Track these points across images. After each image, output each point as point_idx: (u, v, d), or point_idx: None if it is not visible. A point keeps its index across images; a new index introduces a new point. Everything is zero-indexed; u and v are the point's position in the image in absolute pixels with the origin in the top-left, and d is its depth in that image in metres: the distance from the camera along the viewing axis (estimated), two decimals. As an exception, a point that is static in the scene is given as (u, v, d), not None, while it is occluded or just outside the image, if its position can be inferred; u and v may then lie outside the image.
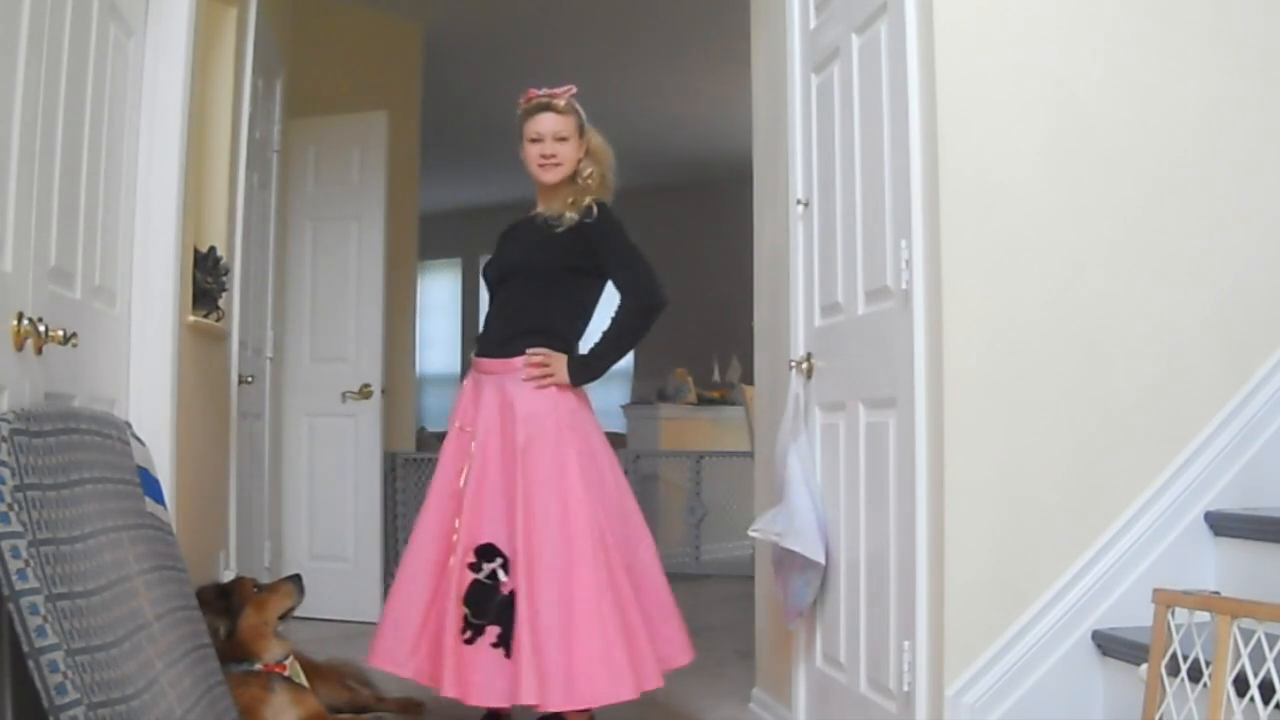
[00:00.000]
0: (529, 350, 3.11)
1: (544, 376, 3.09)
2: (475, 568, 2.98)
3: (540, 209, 3.26)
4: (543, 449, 3.03)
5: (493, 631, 2.92)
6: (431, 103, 6.46)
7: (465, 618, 2.94)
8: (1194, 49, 2.57)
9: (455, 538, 3.02)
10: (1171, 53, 2.56)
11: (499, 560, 2.97)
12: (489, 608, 2.94)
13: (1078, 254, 2.49)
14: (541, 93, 3.20)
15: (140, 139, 2.83)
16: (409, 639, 3.03)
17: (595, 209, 3.15)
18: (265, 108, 4.49)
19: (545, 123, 3.18)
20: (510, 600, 2.93)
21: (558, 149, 3.17)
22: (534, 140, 3.18)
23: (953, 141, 2.42)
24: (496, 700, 2.91)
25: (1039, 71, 2.50)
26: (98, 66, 2.48)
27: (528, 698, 2.85)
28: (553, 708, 2.90)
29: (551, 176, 3.19)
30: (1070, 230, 2.49)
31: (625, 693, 2.89)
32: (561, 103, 3.18)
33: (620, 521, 3.11)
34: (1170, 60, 2.56)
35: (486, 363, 3.18)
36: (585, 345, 3.25)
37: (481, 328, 3.31)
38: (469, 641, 2.93)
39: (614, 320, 3.18)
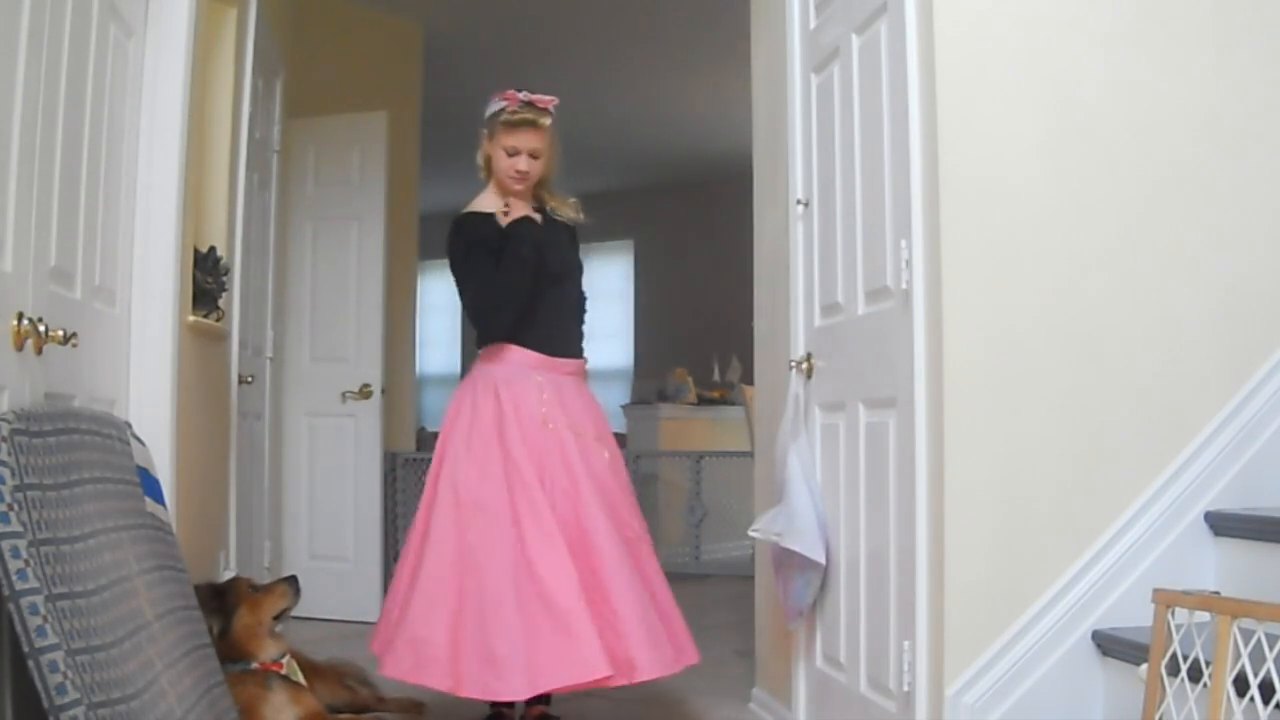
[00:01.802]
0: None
1: None
2: None
3: (528, 203, 3.27)
4: (614, 445, 3.28)
5: None
6: (431, 103, 6.46)
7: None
8: (1194, 49, 2.57)
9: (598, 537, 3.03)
10: (1172, 53, 2.56)
11: None
12: None
13: (1078, 254, 2.49)
14: (522, 97, 3.15)
15: (140, 139, 2.83)
16: (520, 655, 2.88)
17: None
18: (265, 108, 4.48)
19: (527, 139, 3.15)
20: None
21: (531, 165, 3.18)
22: (511, 153, 3.16)
23: (953, 141, 2.42)
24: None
25: (1039, 71, 2.50)
26: (98, 66, 2.48)
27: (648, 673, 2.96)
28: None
29: (519, 188, 3.21)
30: (1071, 230, 2.49)
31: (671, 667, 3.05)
32: (546, 120, 3.17)
33: None
34: (1171, 61, 2.56)
35: (570, 363, 3.25)
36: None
37: (552, 326, 3.22)
38: None
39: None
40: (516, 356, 3.16)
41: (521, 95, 3.16)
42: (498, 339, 3.17)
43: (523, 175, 3.18)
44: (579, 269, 3.37)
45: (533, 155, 3.17)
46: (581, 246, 3.48)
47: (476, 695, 2.95)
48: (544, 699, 3.18)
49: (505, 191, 3.23)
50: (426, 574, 3.00)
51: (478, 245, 3.14)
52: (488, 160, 3.24)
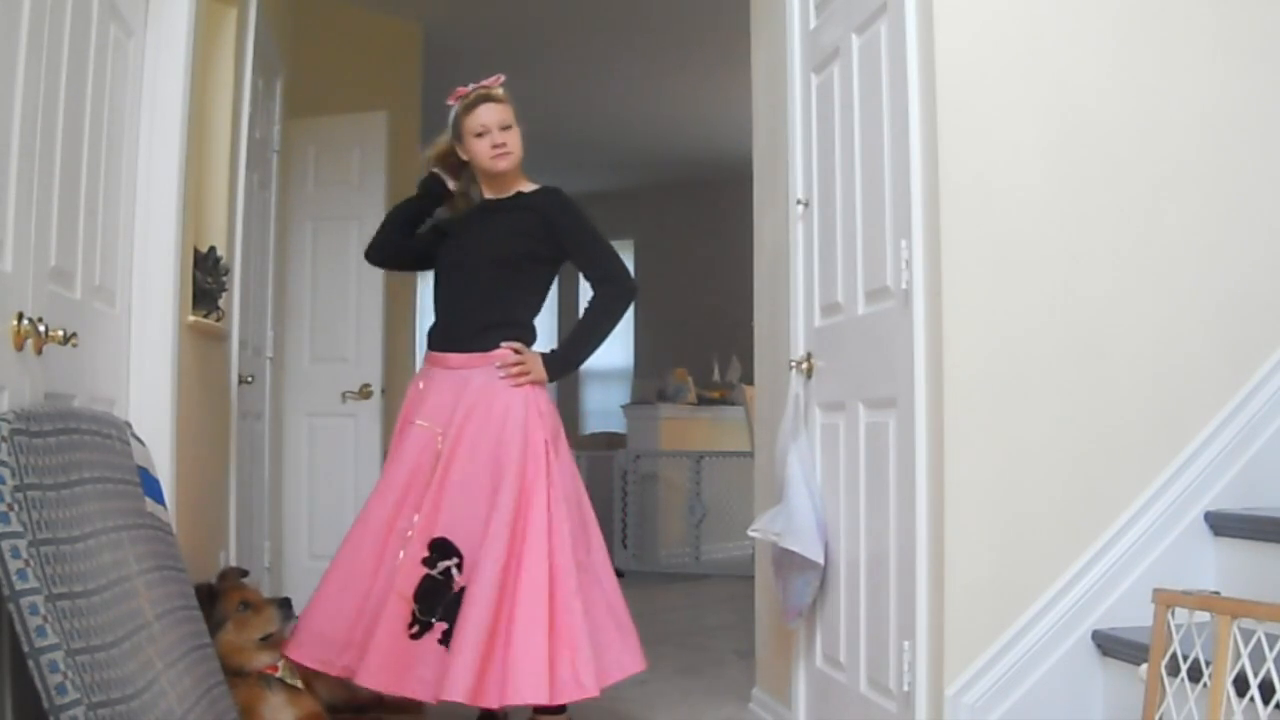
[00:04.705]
0: (505, 345, 3.09)
1: (521, 374, 3.07)
2: (429, 562, 2.96)
3: (489, 195, 3.24)
4: (515, 448, 2.99)
5: (439, 627, 2.92)
6: (431, 103, 6.45)
7: (414, 613, 2.94)
8: (1196, 52, 2.57)
9: (410, 533, 2.98)
10: (1174, 55, 2.56)
11: (455, 558, 2.95)
12: (438, 603, 2.93)
13: (1079, 253, 2.49)
14: (472, 87, 3.17)
15: (140, 139, 2.83)
16: (341, 635, 2.98)
17: (556, 193, 3.20)
18: (265, 108, 4.48)
19: (488, 114, 3.13)
20: (459, 597, 2.91)
21: (506, 137, 3.14)
22: (480, 134, 3.13)
23: (953, 142, 2.42)
24: (426, 694, 2.89)
25: (1040, 72, 2.50)
26: (98, 66, 2.48)
27: (455, 694, 2.79)
28: (485, 704, 2.88)
29: (505, 164, 3.15)
30: (1071, 229, 2.49)
31: (560, 695, 2.86)
32: (499, 91, 3.16)
33: (579, 524, 3.10)
34: (1172, 63, 2.56)
35: (453, 357, 3.12)
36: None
37: (439, 319, 3.21)
38: (415, 636, 2.92)
39: (594, 310, 3.19)
40: (427, 353, 3.23)
41: (471, 87, 3.18)
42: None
43: (502, 148, 3.13)
44: (499, 257, 3.13)
45: (503, 128, 3.14)
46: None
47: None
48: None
49: (490, 178, 3.21)
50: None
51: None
52: (461, 163, 3.25)
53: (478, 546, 2.93)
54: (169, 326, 2.89)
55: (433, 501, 2.99)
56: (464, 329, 3.12)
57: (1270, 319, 2.56)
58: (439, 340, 3.19)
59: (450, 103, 3.20)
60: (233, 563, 3.74)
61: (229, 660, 2.78)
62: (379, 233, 3.41)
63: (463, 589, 2.92)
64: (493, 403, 3.04)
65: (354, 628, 2.98)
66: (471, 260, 3.16)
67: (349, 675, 2.96)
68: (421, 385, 3.19)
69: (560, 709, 3.02)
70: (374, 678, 2.90)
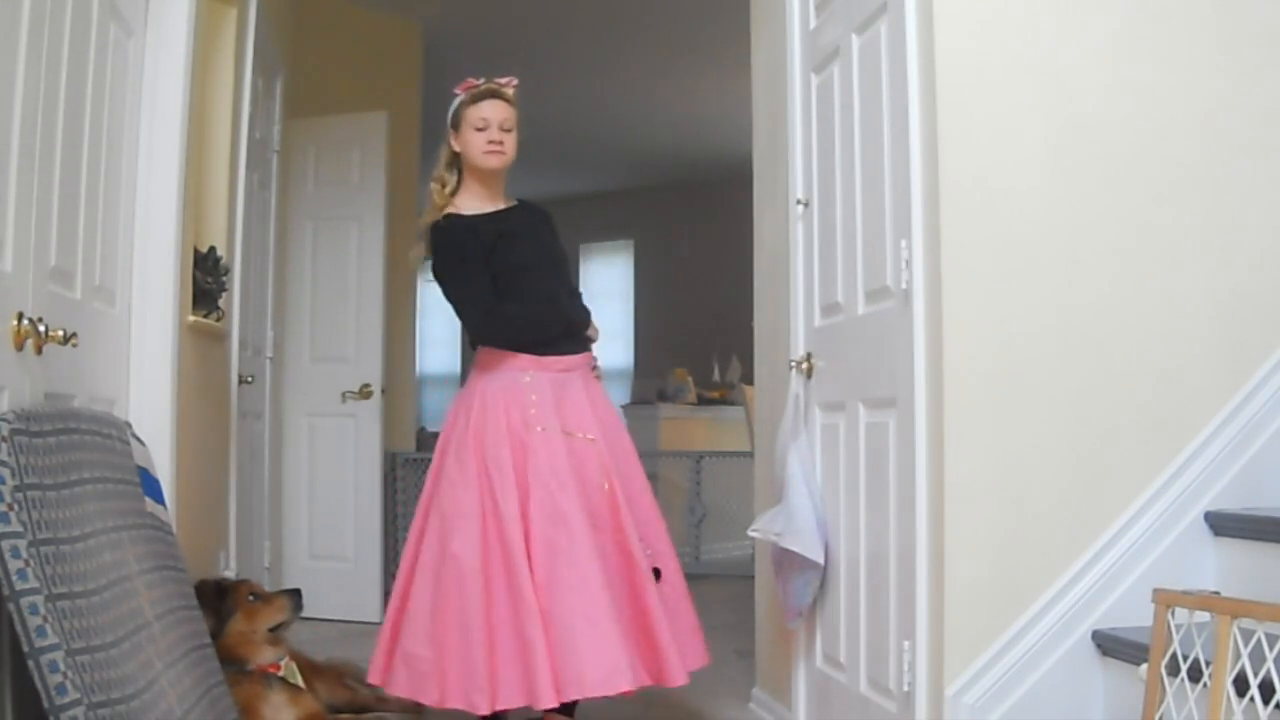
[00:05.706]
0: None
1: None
2: None
3: (484, 201, 3.15)
4: (628, 438, 3.22)
5: None
6: (431, 103, 6.45)
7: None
8: (1197, 52, 2.57)
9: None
10: (1175, 56, 2.56)
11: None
12: None
13: (1078, 253, 2.49)
14: (484, 81, 3.12)
15: (140, 139, 2.84)
16: (627, 656, 2.86)
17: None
18: (265, 108, 4.49)
19: (493, 110, 3.07)
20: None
21: (505, 138, 3.09)
22: (479, 128, 3.07)
23: (953, 142, 2.42)
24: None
25: (1041, 72, 2.50)
26: (98, 66, 2.48)
27: (680, 679, 2.98)
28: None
29: (497, 163, 3.09)
30: (1071, 230, 2.49)
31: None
32: (509, 92, 3.12)
33: None
34: (1173, 63, 2.56)
35: (561, 360, 3.10)
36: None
37: (564, 320, 3.14)
38: None
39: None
40: (507, 361, 3.06)
41: (483, 81, 3.12)
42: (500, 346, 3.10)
43: (498, 146, 3.07)
44: (564, 260, 3.27)
45: (504, 129, 3.08)
46: (581, 246, 3.46)
47: (460, 706, 2.86)
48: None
49: (481, 177, 3.12)
50: (416, 591, 2.97)
51: (470, 259, 3.06)
52: (452, 159, 3.14)
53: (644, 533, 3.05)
54: (169, 326, 2.89)
55: (579, 510, 2.96)
56: (576, 329, 3.19)
57: (1270, 319, 2.56)
58: (570, 343, 3.12)
59: (457, 91, 3.14)
60: (233, 562, 3.75)
61: (236, 650, 2.79)
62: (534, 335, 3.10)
63: (655, 570, 3.01)
64: (605, 400, 3.20)
65: (639, 644, 2.91)
66: (552, 261, 3.19)
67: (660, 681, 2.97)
68: (534, 397, 3.02)
69: (570, 707, 3.03)
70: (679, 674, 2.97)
